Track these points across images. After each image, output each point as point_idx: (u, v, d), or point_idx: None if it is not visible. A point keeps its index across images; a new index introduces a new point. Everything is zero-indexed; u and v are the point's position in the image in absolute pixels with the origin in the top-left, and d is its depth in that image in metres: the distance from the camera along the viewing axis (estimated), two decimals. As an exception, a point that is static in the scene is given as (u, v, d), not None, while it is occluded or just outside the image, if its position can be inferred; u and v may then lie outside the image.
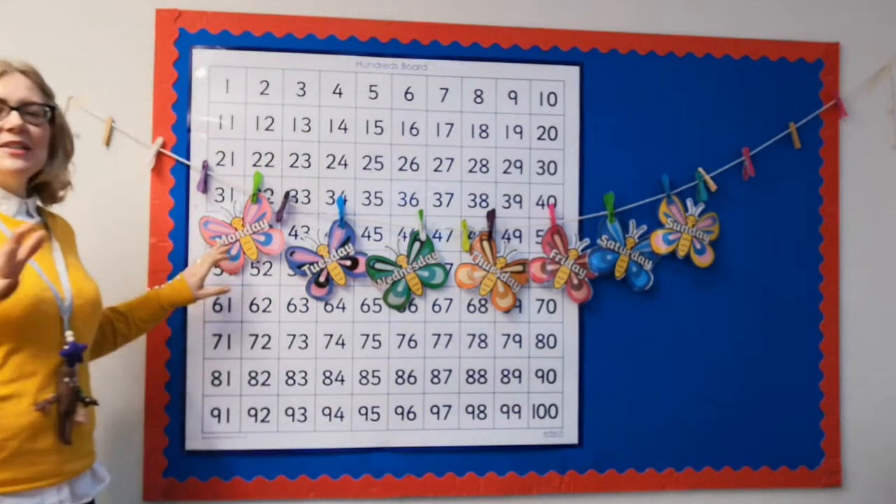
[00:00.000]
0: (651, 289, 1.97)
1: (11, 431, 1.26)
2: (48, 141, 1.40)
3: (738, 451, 2.01)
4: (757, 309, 2.02)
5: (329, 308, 1.89)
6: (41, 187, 1.46)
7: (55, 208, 1.51)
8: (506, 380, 1.94)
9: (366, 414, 1.90)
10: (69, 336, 1.33)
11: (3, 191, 1.36)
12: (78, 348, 1.34)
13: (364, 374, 1.90)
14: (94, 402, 1.40)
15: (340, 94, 1.92)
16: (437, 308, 1.93)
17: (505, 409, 1.94)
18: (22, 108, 1.34)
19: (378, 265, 1.90)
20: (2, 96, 1.32)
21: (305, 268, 1.88)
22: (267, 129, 1.89)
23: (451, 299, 1.93)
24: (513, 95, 1.97)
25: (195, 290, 1.70)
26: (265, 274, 1.88)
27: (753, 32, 2.05)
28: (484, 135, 1.96)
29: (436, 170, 1.94)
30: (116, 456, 1.80)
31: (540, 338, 1.96)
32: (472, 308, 1.94)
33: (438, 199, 1.94)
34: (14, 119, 1.32)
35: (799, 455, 2.03)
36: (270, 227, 1.87)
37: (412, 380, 1.91)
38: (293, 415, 1.88)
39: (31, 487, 1.28)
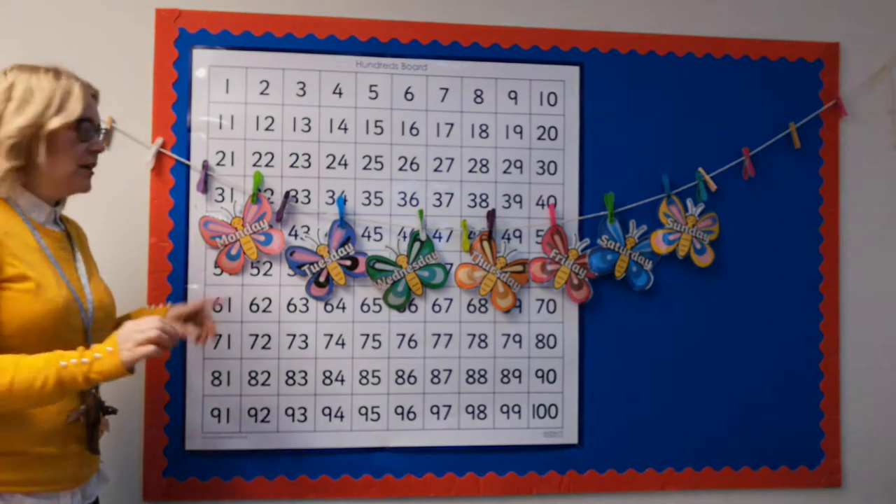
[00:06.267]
0: (651, 289, 1.97)
1: (40, 437, 1.29)
2: None
3: (737, 451, 2.01)
4: (757, 309, 2.02)
5: (329, 308, 1.89)
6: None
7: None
8: (506, 380, 1.94)
9: (366, 414, 1.90)
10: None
11: (36, 198, 1.36)
12: None
13: (364, 374, 1.90)
14: (115, 411, 1.44)
15: (340, 94, 1.92)
16: (437, 308, 1.93)
17: (505, 409, 1.94)
18: (99, 130, 1.43)
19: (378, 265, 1.90)
20: (93, 118, 1.39)
21: (305, 268, 1.88)
22: (267, 129, 1.89)
23: (451, 299, 1.93)
24: (513, 95, 1.97)
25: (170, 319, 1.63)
26: (265, 274, 1.88)
27: (753, 32, 2.05)
28: (484, 135, 1.96)
29: (436, 170, 1.94)
30: (116, 456, 1.80)
31: (540, 338, 1.96)
32: (472, 308, 1.94)
33: (438, 199, 1.94)
34: (101, 142, 1.41)
35: (799, 455, 2.03)
36: (270, 227, 1.87)
37: (412, 380, 1.91)
38: (293, 415, 1.88)
39: (50, 490, 1.30)
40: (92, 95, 1.41)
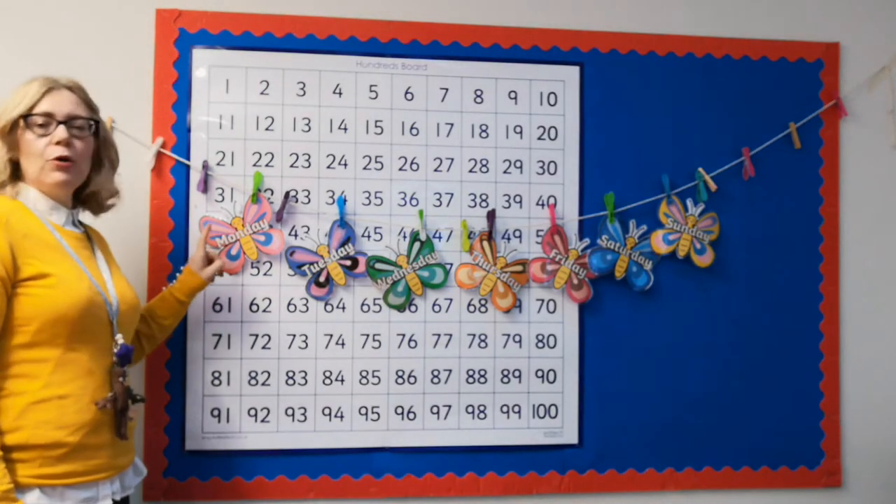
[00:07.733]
0: (651, 289, 1.97)
1: (73, 428, 1.33)
2: (91, 153, 1.48)
3: (738, 451, 2.01)
4: (757, 309, 2.02)
5: (329, 308, 1.89)
6: (89, 197, 1.53)
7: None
8: (506, 380, 1.94)
9: (366, 414, 1.90)
10: (119, 338, 1.44)
11: (54, 202, 1.43)
12: (128, 349, 1.44)
13: (364, 374, 1.90)
14: (143, 399, 1.50)
15: (340, 94, 1.92)
16: (437, 308, 1.93)
17: (505, 409, 1.94)
18: (68, 122, 1.41)
19: (378, 265, 1.90)
20: (49, 111, 1.40)
21: (305, 268, 1.88)
22: (267, 129, 1.89)
23: (451, 299, 1.93)
24: (513, 95, 1.97)
25: (200, 270, 1.72)
26: (265, 274, 1.88)
27: (753, 32, 2.05)
28: (484, 135, 1.96)
29: (436, 170, 1.94)
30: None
31: (540, 338, 1.96)
32: (472, 308, 1.94)
33: (438, 199, 1.94)
34: (61, 133, 1.39)
35: (799, 455, 2.03)
36: (270, 227, 1.87)
37: (412, 380, 1.91)
38: (293, 415, 1.88)
39: (88, 480, 1.35)
40: (68, 88, 1.44)
